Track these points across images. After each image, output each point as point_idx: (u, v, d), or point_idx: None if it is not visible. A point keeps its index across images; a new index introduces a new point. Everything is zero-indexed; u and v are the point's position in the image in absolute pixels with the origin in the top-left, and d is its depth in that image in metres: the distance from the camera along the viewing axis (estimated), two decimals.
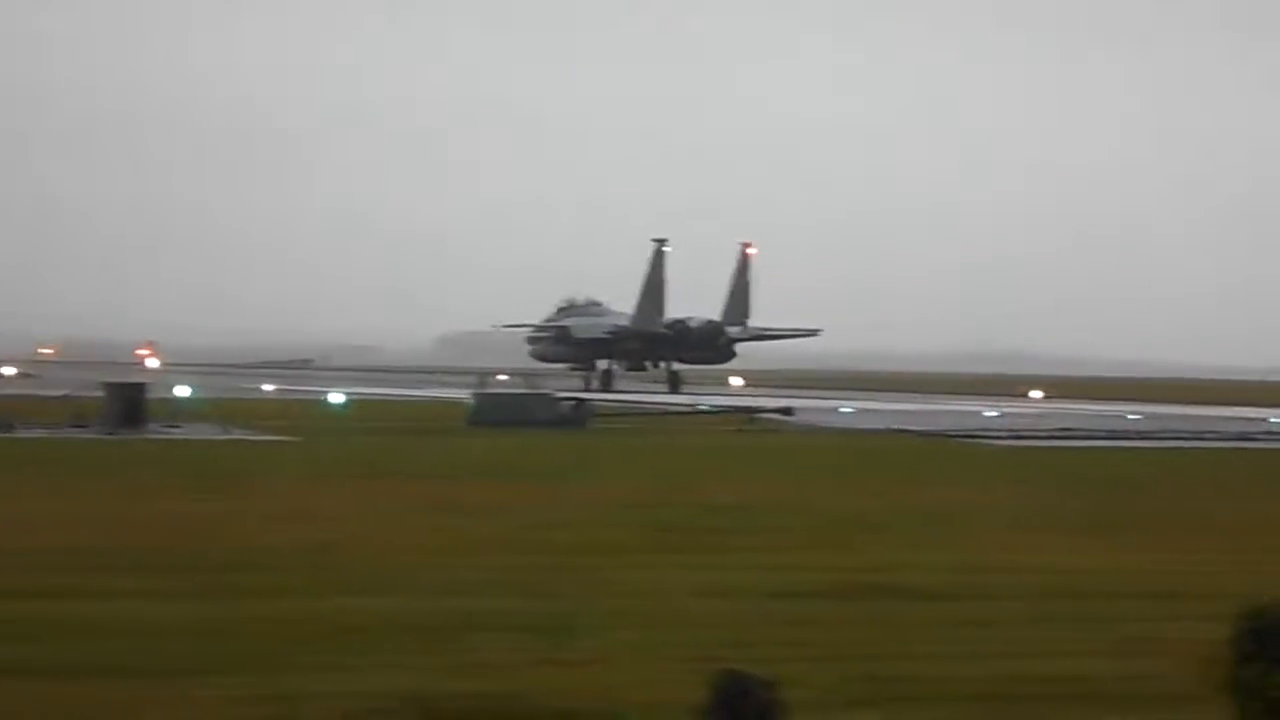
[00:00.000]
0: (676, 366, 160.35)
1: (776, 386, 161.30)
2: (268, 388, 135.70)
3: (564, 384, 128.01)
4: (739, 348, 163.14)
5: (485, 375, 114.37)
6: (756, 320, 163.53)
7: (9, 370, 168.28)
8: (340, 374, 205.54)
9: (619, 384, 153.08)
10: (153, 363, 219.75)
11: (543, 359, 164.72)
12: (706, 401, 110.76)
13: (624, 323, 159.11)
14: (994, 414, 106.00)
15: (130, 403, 77.52)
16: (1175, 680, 21.69)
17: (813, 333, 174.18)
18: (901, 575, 31.45)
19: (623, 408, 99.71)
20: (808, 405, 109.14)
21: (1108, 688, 22.17)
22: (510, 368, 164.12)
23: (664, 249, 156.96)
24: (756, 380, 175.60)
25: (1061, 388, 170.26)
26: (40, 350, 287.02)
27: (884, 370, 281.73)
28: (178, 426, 77.15)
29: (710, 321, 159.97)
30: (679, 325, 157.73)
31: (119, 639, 23.88)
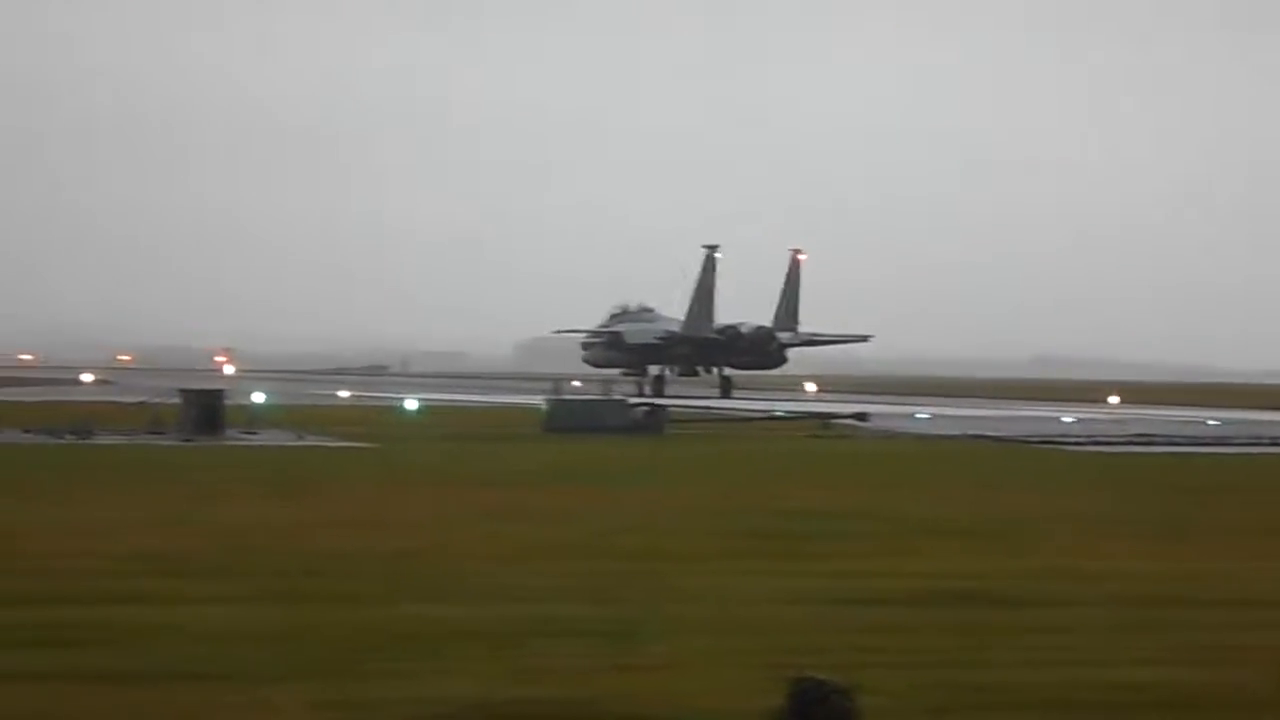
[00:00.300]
0: (728, 372, 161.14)
1: (850, 392, 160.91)
2: (343, 394, 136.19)
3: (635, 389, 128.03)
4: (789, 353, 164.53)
5: (560, 381, 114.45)
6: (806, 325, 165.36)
7: (87, 377, 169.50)
8: (416, 380, 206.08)
9: (671, 389, 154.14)
10: (229, 369, 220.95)
11: (595, 364, 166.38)
12: (781, 407, 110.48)
13: (675, 328, 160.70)
14: (1070, 419, 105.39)
15: (207, 409, 77.93)
16: (1257, 688, 21.43)
17: (863, 338, 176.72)
18: (980, 582, 31.20)
19: (697, 413, 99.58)
20: (882, 411, 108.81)
21: (1190, 695, 21.90)
22: (587, 374, 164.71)
23: (715, 255, 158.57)
24: (824, 386, 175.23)
25: (1138, 393, 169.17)
26: (119, 357, 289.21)
27: (926, 375, 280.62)
28: (254, 433, 77.50)
29: (761, 327, 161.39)
30: (730, 330, 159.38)
31: (195, 644, 23.91)
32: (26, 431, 73.98)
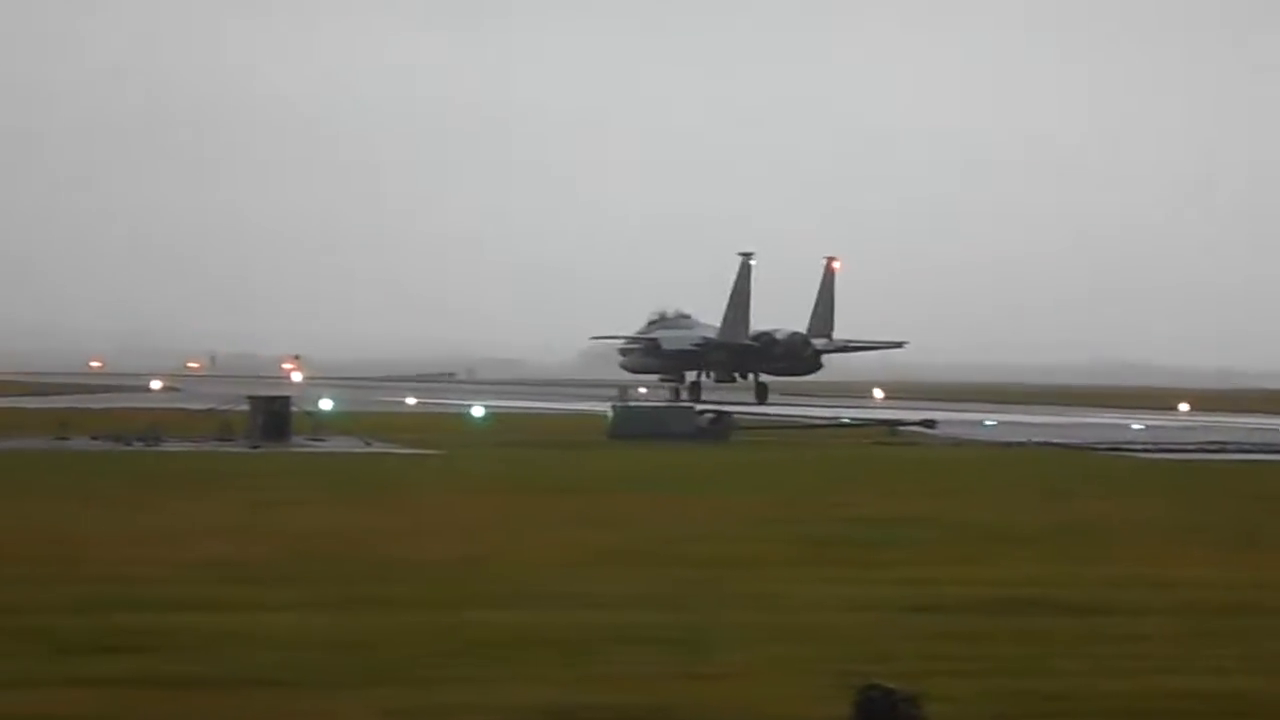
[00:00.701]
0: (764, 378, 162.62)
1: (917, 399, 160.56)
2: (410, 401, 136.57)
3: (719, 396, 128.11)
4: (825, 359, 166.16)
5: (625, 388, 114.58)
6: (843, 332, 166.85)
7: (156, 384, 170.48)
8: (482, 387, 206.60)
9: (708, 395, 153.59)
10: (297, 376, 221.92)
11: (633, 370, 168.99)
12: (848, 414, 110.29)
13: (711, 335, 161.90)
14: (1139, 427, 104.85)
15: (274, 416, 78.28)
16: None
17: (899, 344, 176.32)
18: (1050, 590, 31.07)
19: (763, 420, 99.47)
20: (949, 418, 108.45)
21: (1262, 705, 21.74)
22: (653, 380, 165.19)
23: (750, 262, 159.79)
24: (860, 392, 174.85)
25: (1207, 400, 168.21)
26: (187, 364, 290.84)
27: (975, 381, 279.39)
28: (321, 439, 77.80)
29: (796, 333, 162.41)
30: (765, 337, 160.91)
31: (265, 651, 24.00)
32: (94, 438, 74.46)
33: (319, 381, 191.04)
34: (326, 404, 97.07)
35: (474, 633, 25.63)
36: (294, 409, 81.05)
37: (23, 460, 62.54)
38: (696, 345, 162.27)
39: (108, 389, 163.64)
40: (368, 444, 75.13)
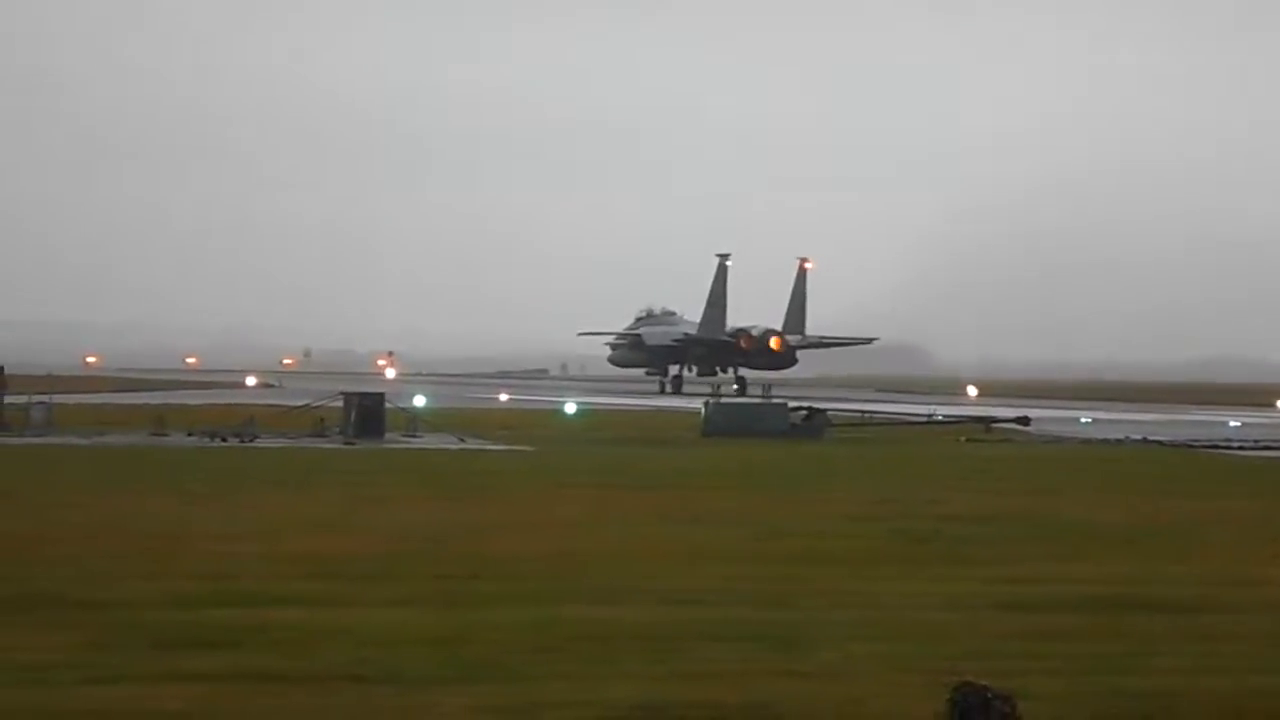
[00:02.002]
0: (744, 372, 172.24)
1: (1012, 396, 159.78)
2: (503, 397, 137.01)
3: (798, 393, 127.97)
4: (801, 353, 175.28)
5: (718, 385, 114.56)
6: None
7: (251, 380, 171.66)
8: (575, 383, 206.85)
9: (689, 388, 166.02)
10: (391, 372, 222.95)
11: (620, 364, 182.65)
12: (941, 411, 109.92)
13: (692, 331, 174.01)
14: (1236, 424, 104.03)
15: (369, 412, 78.76)
16: None
17: (868, 340, 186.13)
18: (1147, 588, 30.89)
19: (856, 417, 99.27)
20: (1044, 415, 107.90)
21: None
22: (750, 377, 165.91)
23: (726, 263, 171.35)
24: (987, 390, 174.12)
25: None
26: (282, 361, 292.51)
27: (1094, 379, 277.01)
28: (415, 435, 78.24)
29: (768, 330, 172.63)
30: (740, 333, 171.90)
31: (360, 646, 24.12)
32: (190, 434, 75.10)
33: (413, 378, 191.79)
34: (420, 400, 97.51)
35: (568, 628, 25.69)
36: (388, 405, 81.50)
37: (120, 455, 63.13)
38: (676, 341, 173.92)
39: (203, 385, 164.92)
40: (461, 440, 75.45)
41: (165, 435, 74.99)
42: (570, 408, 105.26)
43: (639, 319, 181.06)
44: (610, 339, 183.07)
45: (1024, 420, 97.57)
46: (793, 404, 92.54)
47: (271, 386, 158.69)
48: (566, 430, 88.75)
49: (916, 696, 20.57)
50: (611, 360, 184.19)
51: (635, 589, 29.78)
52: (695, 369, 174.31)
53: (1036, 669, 22.91)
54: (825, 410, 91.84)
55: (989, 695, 18.53)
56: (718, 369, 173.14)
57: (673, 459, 66.37)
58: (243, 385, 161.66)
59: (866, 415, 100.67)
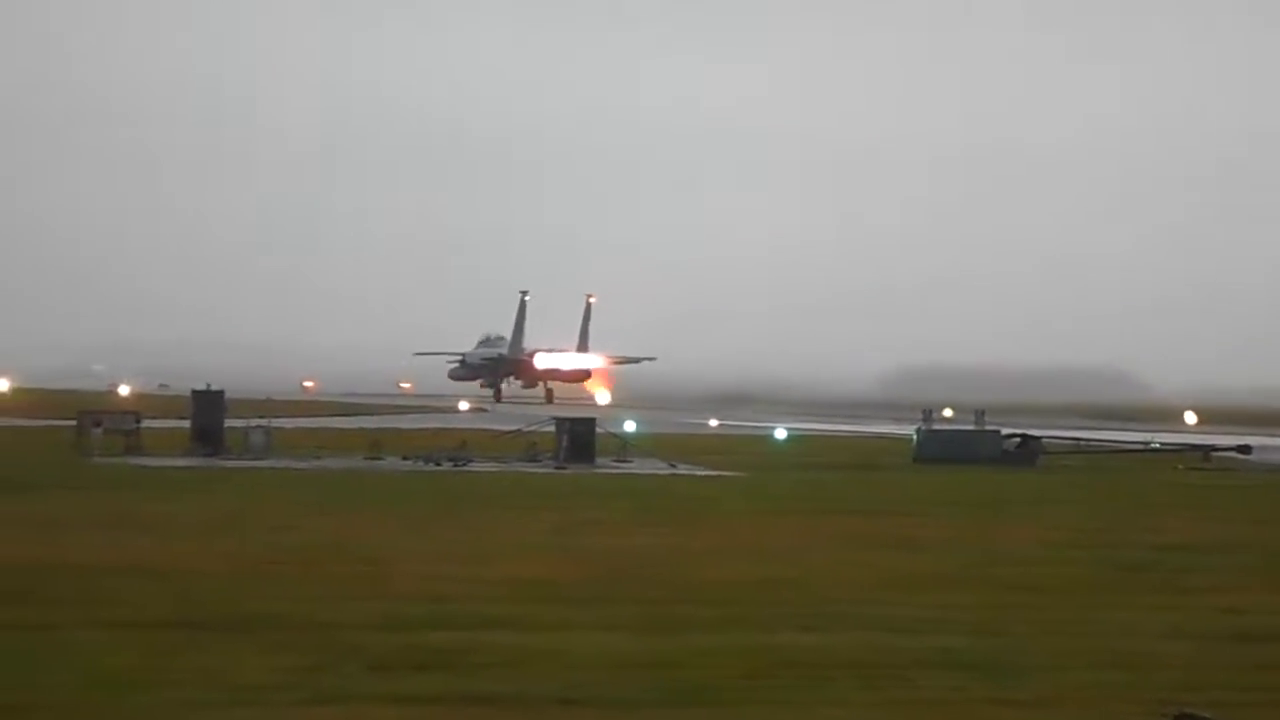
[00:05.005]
0: (552, 384, 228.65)
1: (1234, 424, 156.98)
2: (712, 423, 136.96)
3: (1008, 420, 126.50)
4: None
5: (930, 411, 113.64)
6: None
7: (464, 405, 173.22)
8: (783, 408, 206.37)
9: (507, 396, 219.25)
10: (602, 398, 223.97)
11: (454, 379, 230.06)
12: (1159, 439, 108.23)
13: (504, 352, 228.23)
14: None
15: (580, 437, 79.12)
16: None
17: (650, 359, 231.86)
18: None
19: (1070, 445, 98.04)
20: (1267, 443, 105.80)
21: None
22: (957, 403, 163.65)
23: (525, 298, 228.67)
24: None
25: None
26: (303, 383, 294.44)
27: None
28: (626, 461, 78.42)
29: (535, 350, 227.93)
30: (532, 354, 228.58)
31: (572, 670, 24.19)
32: (405, 459, 75.92)
33: (624, 404, 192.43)
34: (630, 426, 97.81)
35: (779, 655, 25.59)
36: (599, 430, 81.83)
37: (337, 479, 63.98)
38: (486, 360, 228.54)
39: (417, 409, 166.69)
40: (672, 466, 75.52)
41: (380, 459, 75.88)
42: (780, 433, 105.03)
43: (480, 342, 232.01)
44: (447, 359, 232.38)
45: (1245, 449, 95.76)
46: (1006, 431, 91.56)
47: (484, 411, 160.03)
48: (776, 455, 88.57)
49: None
50: (450, 376, 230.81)
51: (846, 615, 29.62)
52: (520, 383, 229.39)
53: (1258, 701, 22.45)
54: (1039, 438, 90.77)
55: None
56: (521, 383, 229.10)
57: (884, 485, 65.97)
58: (456, 410, 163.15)
59: (1081, 443, 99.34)
